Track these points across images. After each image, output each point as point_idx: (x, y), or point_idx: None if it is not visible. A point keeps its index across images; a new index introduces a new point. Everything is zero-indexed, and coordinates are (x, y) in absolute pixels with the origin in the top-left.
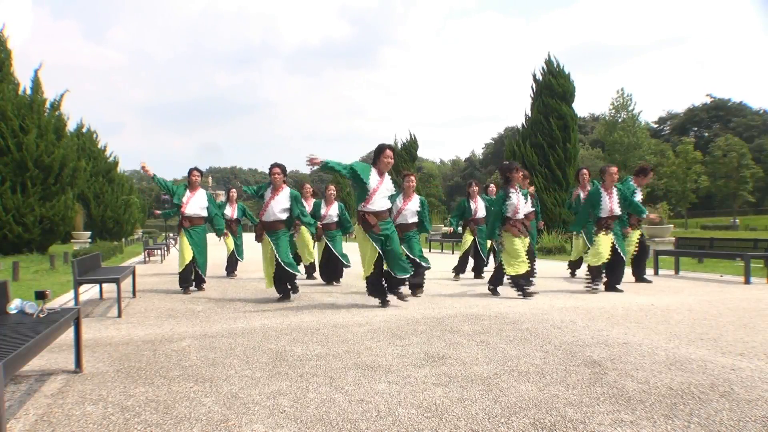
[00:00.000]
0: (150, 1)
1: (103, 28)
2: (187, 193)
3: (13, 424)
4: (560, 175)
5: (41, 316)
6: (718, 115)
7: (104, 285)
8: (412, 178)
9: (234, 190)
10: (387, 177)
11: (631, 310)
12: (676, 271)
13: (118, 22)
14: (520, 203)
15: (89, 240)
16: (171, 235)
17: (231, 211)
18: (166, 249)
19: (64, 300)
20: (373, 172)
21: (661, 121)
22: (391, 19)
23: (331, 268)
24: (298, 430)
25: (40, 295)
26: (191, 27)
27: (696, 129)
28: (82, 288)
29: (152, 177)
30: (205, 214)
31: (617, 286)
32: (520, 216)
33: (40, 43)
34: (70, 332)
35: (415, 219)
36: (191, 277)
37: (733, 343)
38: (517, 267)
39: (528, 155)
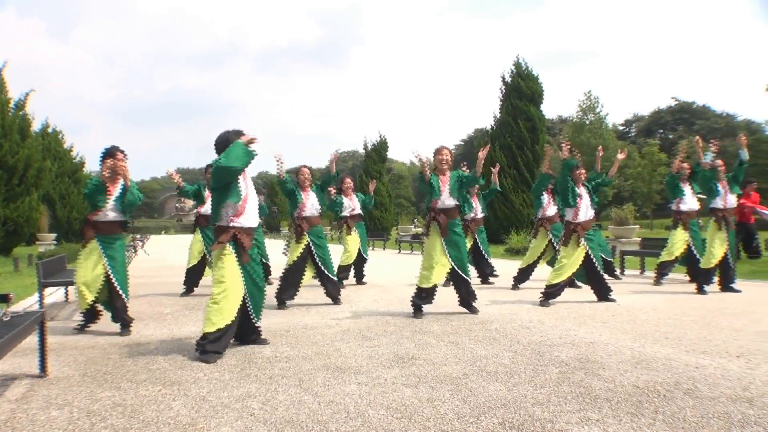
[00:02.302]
0: (116, 0)
1: (68, 27)
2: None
3: None
4: (528, 176)
5: (4, 319)
6: (683, 117)
7: (70, 288)
8: (445, 151)
9: None
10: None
11: (598, 309)
12: (642, 271)
13: (83, 20)
14: (583, 204)
15: (54, 242)
16: (138, 236)
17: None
18: (133, 250)
19: (28, 303)
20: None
21: (628, 123)
22: (359, 20)
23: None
24: None
25: (4, 298)
26: (158, 27)
27: (661, 131)
28: (47, 291)
29: (181, 188)
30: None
31: (609, 296)
32: (581, 219)
33: (5, 40)
34: (34, 336)
35: (456, 202)
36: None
37: (697, 341)
38: (558, 274)
39: (497, 157)
